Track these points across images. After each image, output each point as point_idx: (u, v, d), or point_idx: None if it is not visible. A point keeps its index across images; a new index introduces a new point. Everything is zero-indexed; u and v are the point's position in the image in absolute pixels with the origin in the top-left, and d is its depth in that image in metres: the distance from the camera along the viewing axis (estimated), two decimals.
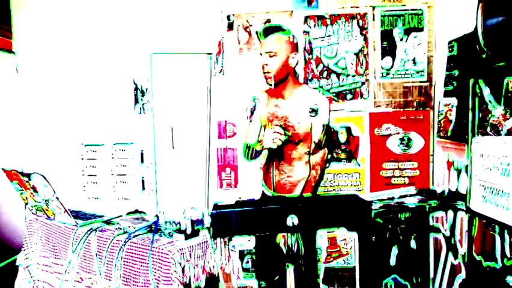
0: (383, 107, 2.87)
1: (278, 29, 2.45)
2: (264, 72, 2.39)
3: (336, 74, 2.89)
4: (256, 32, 2.46)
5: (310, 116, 2.38)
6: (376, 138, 2.86)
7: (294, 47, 2.44)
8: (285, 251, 2.30)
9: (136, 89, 3.24)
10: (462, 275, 2.31)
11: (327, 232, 2.92)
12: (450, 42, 2.53)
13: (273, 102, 2.48)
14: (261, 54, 2.40)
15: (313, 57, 2.89)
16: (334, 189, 2.90)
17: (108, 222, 2.18)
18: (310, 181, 2.36)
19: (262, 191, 2.55)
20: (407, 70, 2.85)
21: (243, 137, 2.96)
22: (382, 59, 2.85)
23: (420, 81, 2.84)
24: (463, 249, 2.32)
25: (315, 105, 2.36)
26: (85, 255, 2.07)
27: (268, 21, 2.91)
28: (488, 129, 2.02)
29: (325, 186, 2.93)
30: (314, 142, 2.41)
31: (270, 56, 2.38)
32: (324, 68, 2.89)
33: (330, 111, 2.38)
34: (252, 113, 2.43)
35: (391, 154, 2.86)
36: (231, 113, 2.97)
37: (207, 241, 1.95)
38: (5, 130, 3.31)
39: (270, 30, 2.46)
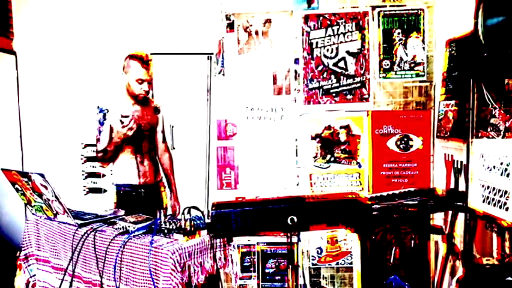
0: (383, 107, 2.87)
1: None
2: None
3: (335, 74, 2.89)
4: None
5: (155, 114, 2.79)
6: (376, 138, 2.86)
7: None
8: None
9: None
10: (462, 274, 2.31)
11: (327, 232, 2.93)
12: (450, 42, 2.53)
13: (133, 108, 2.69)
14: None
15: (314, 57, 2.90)
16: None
17: (108, 222, 2.18)
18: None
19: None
20: (406, 70, 2.85)
21: (243, 137, 2.96)
22: (382, 59, 2.85)
23: (420, 81, 2.85)
24: (462, 249, 2.32)
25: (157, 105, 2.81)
26: (85, 255, 2.07)
27: (268, 21, 2.92)
28: (489, 129, 2.02)
29: (325, 186, 2.93)
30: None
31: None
32: (324, 68, 2.89)
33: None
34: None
35: (391, 154, 2.86)
36: (231, 113, 2.98)
37: (206, 241, 1.95)
38: (5, 130, 3.31)
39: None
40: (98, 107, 2.63)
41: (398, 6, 2.82)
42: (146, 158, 2.70)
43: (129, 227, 1.99)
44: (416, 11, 2.82)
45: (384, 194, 2.10)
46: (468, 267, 2.18)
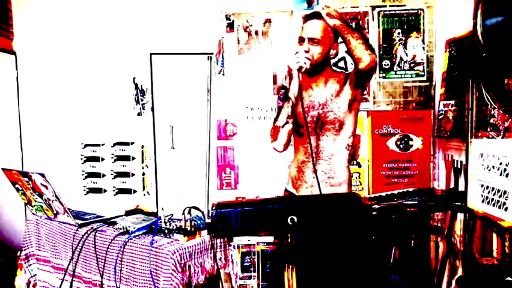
0: (383, 107, 2.87)
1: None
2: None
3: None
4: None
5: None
6: (376, 138, 2.86)
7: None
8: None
9: (136, 89, 3.24)
10: (462, 274, 2.31)
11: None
12: (450, 42, 2.53)
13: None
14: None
15: None
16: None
17: (108, 222, 2.18)
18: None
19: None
20: (406, 70, 2.85)
21: (243, 137, 2.96)
22: (382, 59, 2.85)
23: (420, 81, 2.85)
24: (462, 249, 2.32)
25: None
26: (85, 255, 2.07)
27: (268, 21, 2.92)
28: (488, 129, 2.02)
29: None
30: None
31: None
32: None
33: None
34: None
35: (391, 154, 2.86)
36: (231, 113, 2.98)
37: (206, 241, 1.95)
38: (5, 130, 3.31)
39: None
40: (283, 86, 2.35)
41: (398, 6, 2.82)
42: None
43: (129, 227, 1.99)
44: (416, 11, 2.82)
45: (384, 194, 2.10)
46: (468, 267, 2.19)
